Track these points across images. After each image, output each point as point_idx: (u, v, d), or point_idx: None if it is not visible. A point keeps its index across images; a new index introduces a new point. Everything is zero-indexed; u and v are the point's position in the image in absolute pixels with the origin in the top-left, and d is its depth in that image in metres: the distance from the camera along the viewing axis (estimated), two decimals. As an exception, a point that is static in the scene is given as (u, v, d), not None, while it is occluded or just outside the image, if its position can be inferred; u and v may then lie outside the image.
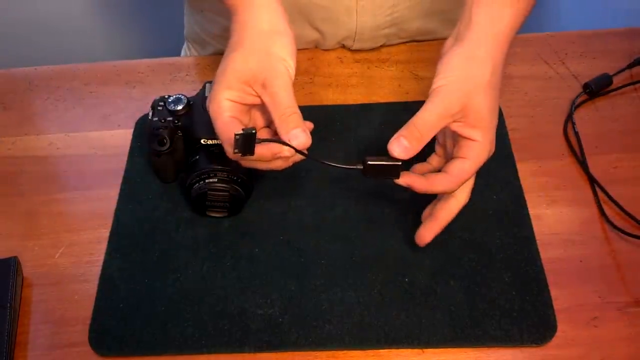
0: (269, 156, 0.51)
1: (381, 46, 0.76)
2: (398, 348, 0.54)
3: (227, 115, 0.52)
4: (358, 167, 0.50)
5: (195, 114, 0.60)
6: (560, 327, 0.54)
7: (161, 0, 1.37)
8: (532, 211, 0.61)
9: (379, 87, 0.73)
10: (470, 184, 0.54)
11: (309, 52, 0.76)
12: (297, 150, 0.50)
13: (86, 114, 0.73)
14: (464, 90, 0.50)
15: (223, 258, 0.59)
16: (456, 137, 0.52)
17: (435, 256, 0.58)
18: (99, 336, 0.55)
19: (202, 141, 0.59)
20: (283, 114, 0.50)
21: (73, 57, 0.83)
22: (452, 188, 0.52)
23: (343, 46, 0.77)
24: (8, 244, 0.62)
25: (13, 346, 0.55)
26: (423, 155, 0.52)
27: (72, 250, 0.61)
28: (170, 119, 0.60)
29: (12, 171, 0.68)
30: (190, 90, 0.72)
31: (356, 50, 0.76)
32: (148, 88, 0.74)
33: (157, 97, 0.62)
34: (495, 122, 0.52)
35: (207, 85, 0.61)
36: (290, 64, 0.52)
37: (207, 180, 0.58)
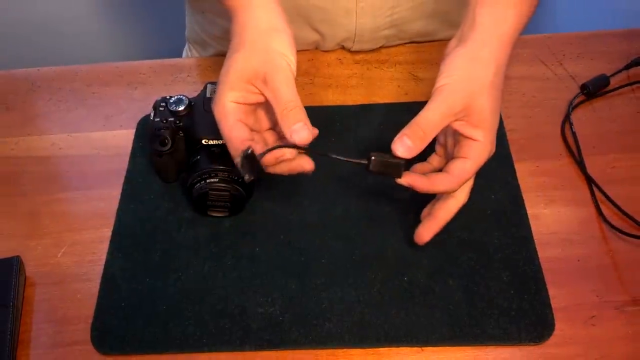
0: (273, 161, 0.51)
1: (381, 47, 0.77)
2: (397, 346, 0.54)
3: (231, 119, 0.52)
4: (362, 161, 0.50)
5: (196, 115, 0.60)
6: (558, 325, 0.54)
7: (163, 2, 1.38)
8: (530, 211, 0.61)
9: (378, 88, 0.73)
10: (469, 184, 0.54)
11: (309, 53, 0.77)
12: (299, 147, 0.50)
13: (88, 115, 0.73)
14: (467, 90, 0.50)
15: (224, 257, 0.60)
16: (457, 137, 0.52)
17: (434, 255, 0.59)
18: (101, 335, 0.56)
19: (203, 141, 0.59)
20: (285, 109, 0.50)
21: (75, 58, 0.83)
22: (453, 188, 0.52)
23: (343, 47, 0.77)
24: (11, 244, 0.63)
25: (16, 345, 0.55)
26: (424, 155, 0.52)
27: (75, 249, 0.62)
28: (172, 119, 0.61)
29: (15, 171, 0.69)
30: (191, 91, 0.72)
31: (356, 51, 0.77)
32: (150, 89, 0.75)
33: (158, 97, 0.63)
34: (496, 122, 0.52)
35: (209, 86, 0.62)
36: (291, 59, 0.52)
37: (208, 180, 0.58)
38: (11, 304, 0.56)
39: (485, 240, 0.59)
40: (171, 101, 0.62)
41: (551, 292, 0.56)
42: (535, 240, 0.59)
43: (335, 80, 0.74)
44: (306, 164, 0.52)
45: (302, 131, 0.49)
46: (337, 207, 0.63)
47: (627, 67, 0.72)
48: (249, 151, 0.49)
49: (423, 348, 0.54)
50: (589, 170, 0.64)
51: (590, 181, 0.63)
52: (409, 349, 0.54)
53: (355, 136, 0.68)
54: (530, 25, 0.56)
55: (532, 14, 0.54)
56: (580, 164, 0.65)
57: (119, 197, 0.65)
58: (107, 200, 0.65)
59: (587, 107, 0.70)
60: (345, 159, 0.51)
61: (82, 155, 0.69)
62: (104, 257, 0.61)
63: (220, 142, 0.59)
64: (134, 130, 0.70)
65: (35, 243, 0.62)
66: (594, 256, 0.59)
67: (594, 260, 0.59)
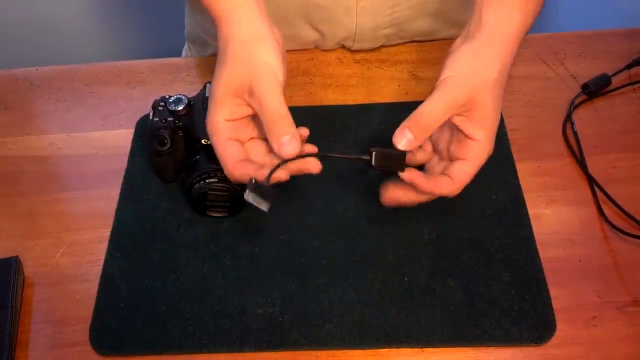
0: (285, 177, 0.52)
1: (381, 46, 0.77)
2: (398, 347, 0.54)
3: (222, 137, 0.51)
4: (364, 157, 0.50)
5: (195, 114, 0.60)
6: (560, 326, 0.54)
7: (162, 1, 1.38)
8: (531, 211, 0.61)
9: (378, 87, 0.73)
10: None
11: (309, 52, 0.77)
12: (296, 157, 0.49)
13: (87, 114, 0.73)
14: (471, 84, 0.50)
15: (223, 258, 0.60)
16: (456, 135, 0.52)
17: (434, 255, 0.58)
18: (99, 335, 0.56)
19: (202, 141, 0.59)
20: (271, 119, 0.49)
21: (74, 58, 0.83)
22: (454, 192, 0.52)
23: (343, 46, 0.77)
24: (9, 244, 0.62)
25: (14, 345, 0.55)
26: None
27: (73, 249, 0.62)
28: (171, 119, 0.60)
29: (14, 171, 0.68)
30: (190, 90, 0.72)
31: (356, 50, 0.76)
32: (149, 88, 0.75)
33: (157, 97, 0.63)
34: (497, 122, 0.52)
35: (208, 85, 0.62)
36: (276, 66, 0.51)
37: (207, 180, 0.58)
38: (10, 304, 0.56)
39: (486, 240, 0.59)
40: (170, 101, 0.61)
41: (552, 292, 0.56)
42: (536, 241, 0.59)
43: (335, 79, 0.74)
44: (313, 167, 0.52)
45: (290, 145, 0.48)
46: (337, 207, 0.62)
47: (629, 66, 0.72)
48: (253, 182, 0.48)
49: (423, 349, 0.54)
50: (591, 170, 0.64)
51: (591, 181, 0.63)
52: (409, 349, 0.54)
53: (355, 136, 0.68)
54: (532, 25, 0.56)
55: (538, 14, 0.54)
56: (581, 163, 0.65)
57: (117, 197, 0.64)
58: (106, 200, 0.64)
59: (589, 107, 0.70)
60: (346, 156, 0.50)
61: (80, 155, 0.69)
62: (102, 257, 0.60)
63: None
64: (133, 130, 0.70)
65: (34, 243, 0.62)
66: (595, 256, 0.59)
67: (595, 261, 0.58)
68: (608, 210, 0.61)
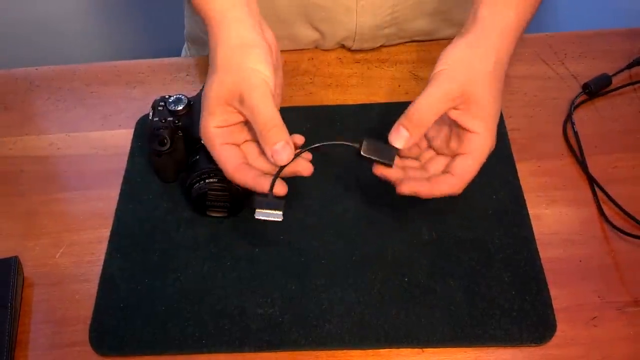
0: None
1: (381, 46, 0.77)
2: (398, 347, 0.54)
3: (217, 143, 0.52)
4: (354, 144, 0.50)
5: (195, 114, 0.60)
6: (560, 326, 0.54)
7: (161, 1, 1.38)
8: (532, 211, 0.61)
9: (378, 87, 0.73)
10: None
11: (309, 52, 0.77)
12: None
13: (87, 114, 0.73)
14: (465, 76, 0.49)
15: (223, 258, 0.60)
16: (455, 130, 0.52)
17: (434, 255, 0.58)
18: (99, 336, 0.56)
19: (202, 141, 0.59)
20: (263, 128, 0.49)
21: (74, 58, 0.83)
22: (457, 189, 0.52)
23: (343, 46, 0.77)
24: (9, 244, 0.62)
25: (14, 345, 0.55)
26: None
27: (73, 250, 0.62)
28: (171, 119, 0.60)
29: (13, 171, 0.68)
30: (190, 90, 0.72)
31: (356, 50, 0.76)
32: (148, 88, 0.75)
33: (157, 97, 0.63)
34: (497, 115, 0.51)
35: (208, 85, 0.62)
36: (267, 74, 0.50)
37: (207, 180, 0.58)
38: (9, 304, 0.56)
39: (486, 240, 0.59)
40: (170, 100, 0.61)
41: (553, 292, 0.56)
42: (536, 241, 0.59)
43: (335, 79, 0.74)
44: (304, 169, 0.53)
45: (283, 152, 0.49)
46: (336, 208, 0.62)
47: (629, 66, 0.72)
48: (257, 199, 0.50)
49: (423, 349, 0.54)
50: (591, 170, 0.64)
51: (592, 181, 0.63)
52: (409, 350, 0.54)
53: (355, 136, 0.67)
54: (532, 24, 0.56)
55: (535, 10, 0.54)
56: (582, 163, 0.65)
57: (117, 197, 0.64)
58: (105, 200, 0.64)
59: (589, 107, 0.70)
60: (335, 142, 0.51)
61: (80, 155, 0.69)
62: (102, 257, 0.60)
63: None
64: (132, 130, 0.70)
65: (34, 243, 0.62)
66: (595, 257, 0.58)
67: (595, 261, 0.58)
68: (608, 210, 0.61)
